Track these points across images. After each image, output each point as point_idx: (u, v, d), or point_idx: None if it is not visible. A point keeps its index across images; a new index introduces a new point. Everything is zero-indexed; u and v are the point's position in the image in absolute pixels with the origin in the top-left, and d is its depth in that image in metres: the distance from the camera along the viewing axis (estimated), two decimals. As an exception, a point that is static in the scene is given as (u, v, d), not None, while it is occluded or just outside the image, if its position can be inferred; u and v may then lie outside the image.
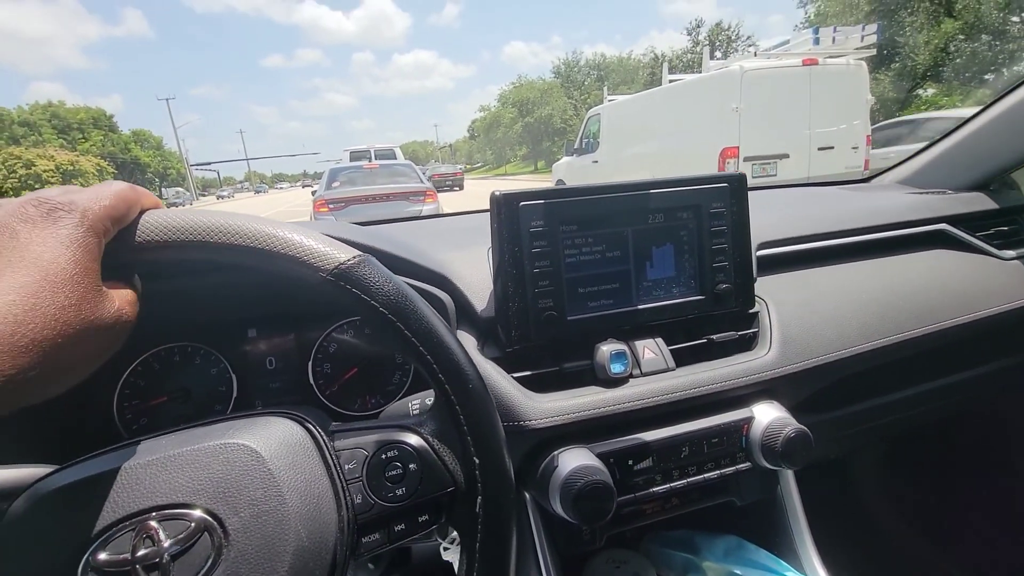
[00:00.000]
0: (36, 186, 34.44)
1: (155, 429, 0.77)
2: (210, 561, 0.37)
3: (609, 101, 9.56)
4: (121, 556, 0.36)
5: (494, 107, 54.40)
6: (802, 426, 0.69)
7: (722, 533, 0.81)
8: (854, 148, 6.68)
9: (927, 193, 1.18)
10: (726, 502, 0.80)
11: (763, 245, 0.89)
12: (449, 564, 0.54)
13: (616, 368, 0.70)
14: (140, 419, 0.77)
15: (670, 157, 7.52)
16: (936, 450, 1.24)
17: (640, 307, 0.75)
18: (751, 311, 0.82)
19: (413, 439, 0.46)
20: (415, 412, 0.61)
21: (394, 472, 0.44)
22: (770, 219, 0.95)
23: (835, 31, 6.65)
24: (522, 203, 0.68)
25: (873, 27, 6.60)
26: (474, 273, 0.78)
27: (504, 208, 0.68)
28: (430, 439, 0.46)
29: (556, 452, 0.66)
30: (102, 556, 0.36)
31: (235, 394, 0.81)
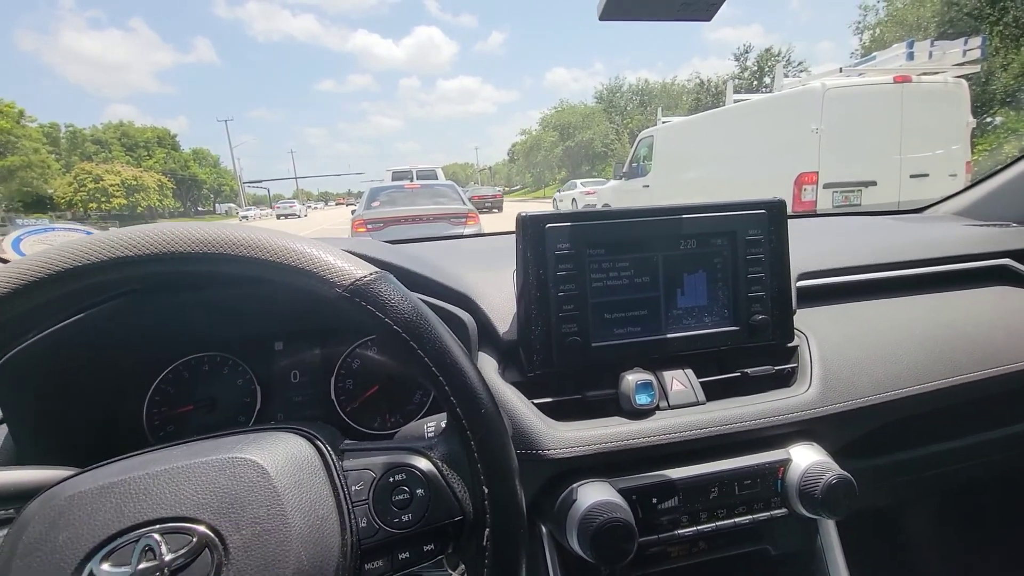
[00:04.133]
0: (103, 199, 36.93)
1: (180, 436, 0.79)
2: None
3: (663, 123, 9.10)
4: (122, 569, 0.36)
5: (535, 131, 55.14)
6: (845, 472, 0.64)
7: (755, 584, 0.76)
8: (952, 176, 5.91)
9: (987, 225, 1.10)
10: (759, 550, 0.74)
11: (804, 275, 0.84)
12: None
13: (642, 399, 0.67)
14: (167, 426, 0.79)
15: (734, 183, 6.96)
16: (998, 507, 1.13)
17: (669, 336, 0.72)
18: (789, 344, 0.77)
19: (423, 463, 0.44)
20: (430, 434, 0.60)
21: (401, 496, 0.43)
22: (814, 248, 0.90)
23: (932, 45, 5.95)
24: (548, 225, 0.67)
25: (977, 40, 5.84)
26: (498, 295, 0.76)
27: (530, 230, 0.67)
28: (440, 464, 0.44)
29: (575, 485, 0.63)
30: (104, 567, 0.36)
31: (259, 406, 0.81)
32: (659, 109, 12.87)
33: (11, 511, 0.51)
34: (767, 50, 34.36)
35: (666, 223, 0.70)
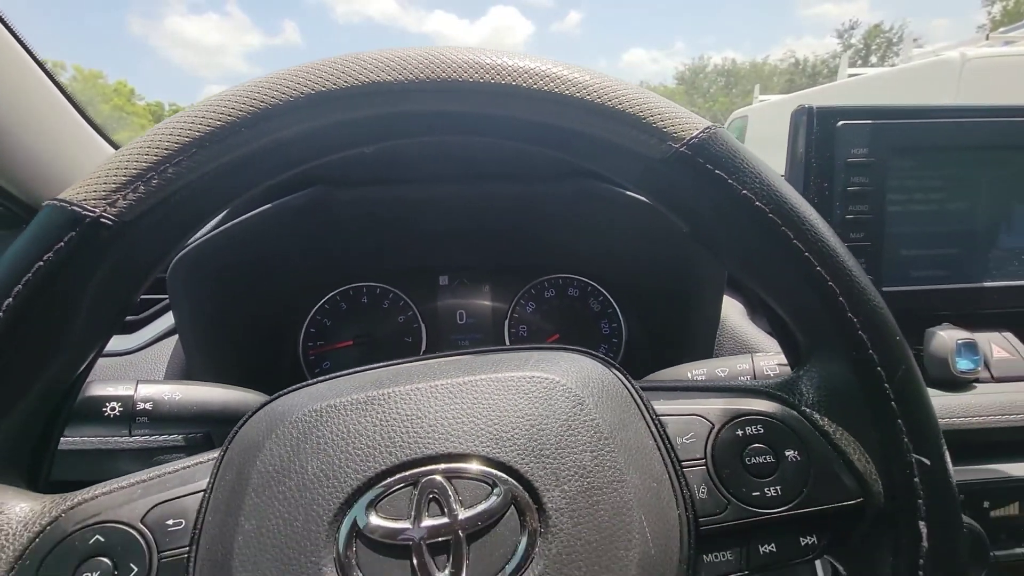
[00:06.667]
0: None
1: None
2: (519, 553, 0.23)
3: (760, 101, 8.33)
4: (398, 524, 0.23)
5: (610, 114, 53.36)
6: None
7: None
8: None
9: None
10: None
11: None
12: None
13: (965, 365, 0.49)
14: (323, 363, 0.70)
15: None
16: None
17: (986, 285, 0.53)
18: None
19: (783, 412, 0.29)
20: (699, 377, 0.45)
21: (759, 460, 0.28)
22: None
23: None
24: (841, 122, 0.50)
25: None
26: None
27: (816, 126, 0.50)
28: (816, 417, 0.29)
29: None
30: (373, 519, 0.23)
31: (424, 347, 0.70)
32: (756, 86, 11.89)
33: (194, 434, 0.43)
34: (876, 26, 31.21)
35: (1004, 128, 0.51)
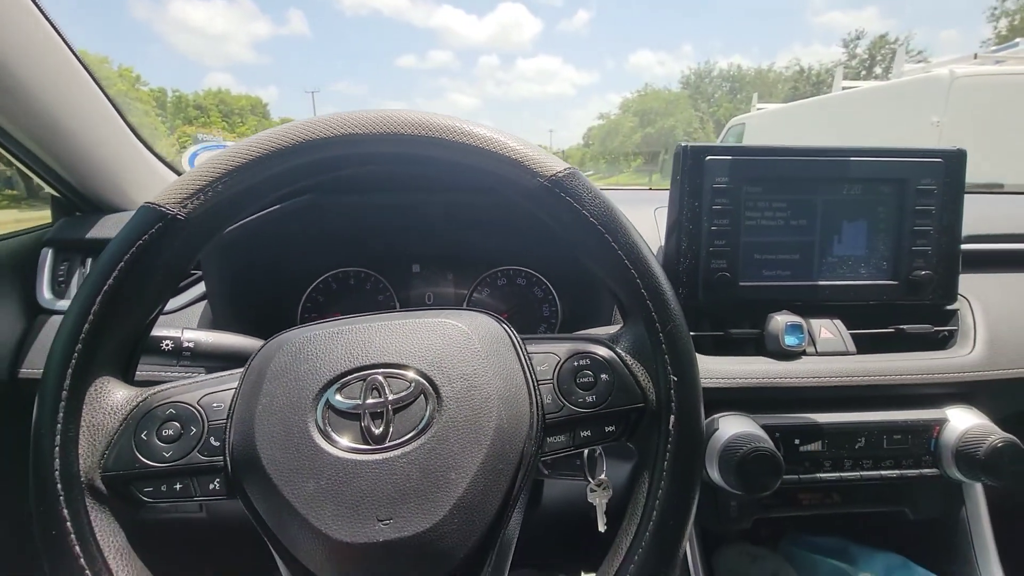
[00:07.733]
0: (204, 160, 40.07)
1: None
2: (424, 421, 0.40)
3: (758, 110, 8.56)
4: (352, 401, 0.40)
5: (614, 115, 53.73)
6: (1011, 436, 0.60)
7: (883, 549, 0.73)
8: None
9: None
10: (895, 512, 0.72)
11: (972, 238, 0.78)
12: (591, 507, 0.54)
13: (791, 340, 0.65)
14: (316, 331, 0.86)
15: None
16: None
17: (820, 283, 0.69)
18: (949, 307, 0.72)
19: (604, 352, 0.46)
20: None
21: (585, 379, 0.45)
22: (984, 211, 0.83)
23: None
24: (708, 157, 0.66)
25: None
26: (640, 227, 0.77)
27: (689, 160, 0.66)
28: (623, 354, 0.46)
29: (716, 416, 0.63)
30: (338, 397, 0.40)
31: None
32: (754, 95, 12.05)
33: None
34: (881, 37, 31.37)
35: (831, 164, 0.68)
